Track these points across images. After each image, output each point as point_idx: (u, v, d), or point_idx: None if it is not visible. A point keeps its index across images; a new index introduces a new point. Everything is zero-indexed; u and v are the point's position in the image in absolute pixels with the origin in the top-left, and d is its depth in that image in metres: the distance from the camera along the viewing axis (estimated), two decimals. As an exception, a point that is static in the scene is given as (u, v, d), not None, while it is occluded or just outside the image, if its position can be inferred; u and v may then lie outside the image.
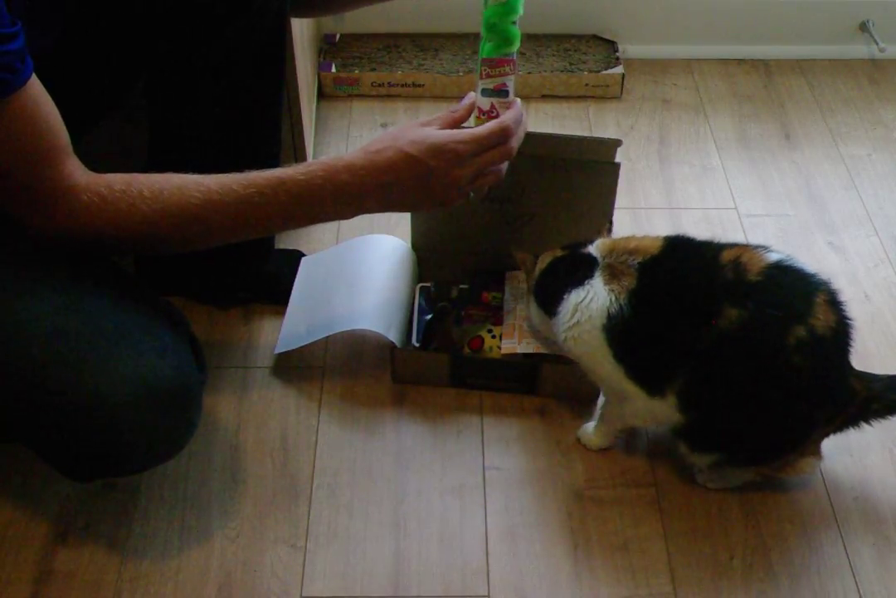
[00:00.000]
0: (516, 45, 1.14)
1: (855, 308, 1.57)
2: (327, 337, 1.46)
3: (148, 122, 1.39)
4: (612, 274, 1.20)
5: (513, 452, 1.37)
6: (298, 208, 1.12)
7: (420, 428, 1.40)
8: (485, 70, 1.15)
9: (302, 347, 1.47)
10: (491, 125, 1.13)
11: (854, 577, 1.24)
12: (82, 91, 1.21)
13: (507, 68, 1.15)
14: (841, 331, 1.17)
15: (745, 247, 1.19)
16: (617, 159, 1.39)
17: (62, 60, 1.10)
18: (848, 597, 1.22)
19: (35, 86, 0.97)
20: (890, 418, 1.25)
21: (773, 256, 1.17)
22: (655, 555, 1.26)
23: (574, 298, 1.22)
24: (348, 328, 1.45)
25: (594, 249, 1.25)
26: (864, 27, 2.10)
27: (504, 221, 1.49)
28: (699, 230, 1.73)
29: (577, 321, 1.21)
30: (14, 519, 1.28)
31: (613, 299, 1.18)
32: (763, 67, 2.12)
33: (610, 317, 1.18)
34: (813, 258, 1.69)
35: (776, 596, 1.22)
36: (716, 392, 1.17)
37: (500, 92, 1.16)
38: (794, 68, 2.12)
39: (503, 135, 1.14)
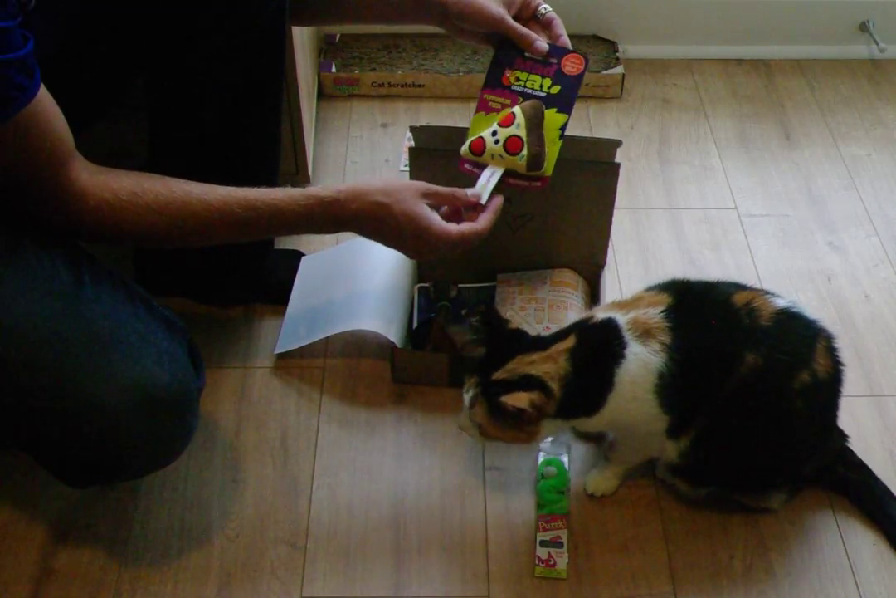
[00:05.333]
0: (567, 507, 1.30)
1: (855, 308, 1.59)
2: (327, 337, 1.46)
3: (148, 121, 1.39)
4: (645, 330, 1.16)
5: (513, 452, 1.37)
6: (294, 229, 1.24)
7: (420, 428, 1.41)
8: (541, 524, 1.27)
9: (302, 347, 1.47)
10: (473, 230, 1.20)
11: (854, 577, 1.24)
12: (81, 90, 1.20)
13: (561, 523, 1.27)
14: (836, 376, 1.22)
15: (755, 292, 1.21)
16: (617, 159, 1.39)
17: (61, 59, 1.10)
18: (848, 597, 1.22)
19: (43, 96, 0.97)
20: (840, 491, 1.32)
21: (781, 302, 1.19)
22: (655, 555, 1.26)
23: (623, 374, 1.15)
24: (348, 328, 1.45)
25: (602, 311, 1.21)
26: (864, 27, 2.10)
27: (504, 221, 1.48)
28: (699, 230, 1.74)
29: (634, 396, 1.16)
30: (14, 519, 1.28)
31: (659, 359, 1.15)
32: (763, 67, 2.12)
33: (661, 377, 1.16)
34: (813, 258, 1.69)
35: (776, 596, 1.22)
36: (725, 435, 1.19)
37: (556, 543, 1.25)
38: (794, 68, 2.12)
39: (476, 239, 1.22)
